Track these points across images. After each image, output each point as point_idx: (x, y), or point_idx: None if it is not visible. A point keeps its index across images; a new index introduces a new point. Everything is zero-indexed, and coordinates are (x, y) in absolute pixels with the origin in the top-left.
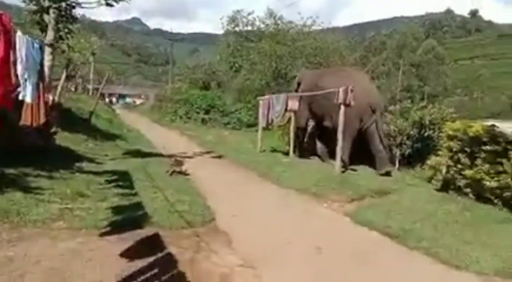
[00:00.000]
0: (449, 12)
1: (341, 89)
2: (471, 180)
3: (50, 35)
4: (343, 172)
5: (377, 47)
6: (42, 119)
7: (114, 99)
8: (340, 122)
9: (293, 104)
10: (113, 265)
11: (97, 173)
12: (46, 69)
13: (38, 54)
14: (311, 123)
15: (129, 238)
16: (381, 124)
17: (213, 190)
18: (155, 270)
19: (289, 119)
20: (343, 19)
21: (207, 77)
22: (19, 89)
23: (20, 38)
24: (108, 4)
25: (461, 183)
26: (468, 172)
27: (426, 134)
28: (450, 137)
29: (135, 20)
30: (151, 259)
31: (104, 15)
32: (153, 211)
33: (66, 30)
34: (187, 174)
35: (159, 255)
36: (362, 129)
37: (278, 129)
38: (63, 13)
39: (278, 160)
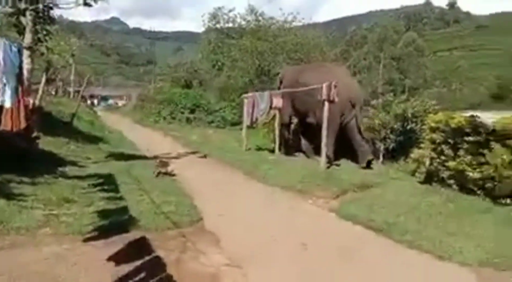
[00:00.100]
0: (428, 3)
1: (324, 85)
2: (454, 171)
3: (28, 37)
4: (328, 167)
5: (358, 42)
6: (23, 124)
7: (95, 101)
8: (324, 118)
9: (278, 101)
10: (99, 270)
11: (81, 177)
12: (25, 73)
13: (16, 58)
14: (295, 120)
15: (116, 242)
16: (360, 118)
17: (199, 190)
18: (143, 274)
19: (274, 116)
20: (323, 15)
21: (189, 76)
22: None
23: None
24: (86, 4)
25: (445, 174)
26: (451, 163)
27: (408, 127)
28: (433, 129)
29: (114, 20)
30: (138, 263)
31: (82, 15)
32: (139, 214)
33: (45, 32)
34: (173, 175)
35: (146, 258)
36: (342, 124)
37: (263, 127)
38: (40, 14)
39: (264, 158)
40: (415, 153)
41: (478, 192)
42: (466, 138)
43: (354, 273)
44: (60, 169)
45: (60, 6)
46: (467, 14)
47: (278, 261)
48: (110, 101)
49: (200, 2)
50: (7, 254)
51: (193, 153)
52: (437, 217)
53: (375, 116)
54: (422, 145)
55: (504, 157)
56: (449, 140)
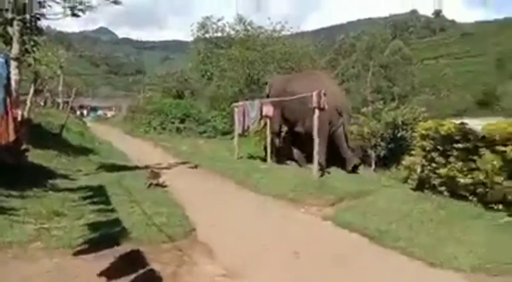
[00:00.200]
0: (413, 12)
1: (314, 93)
2: (446, 178)
3: (15, 48)
4: (321, 175)
5: (347, 50)
6: (12, 136)
7: (85, 112)
8: (315, 126)
9: (268, 110)
10: None
11: (71, 190)
12: (13, 84)
13: (3, 69)
14: (285, 129)
15: (107, 256)
16: (347, 126)
17: (191, 200)
18: None
19: (265, 125)
20: (311, 23)
21: (180, 86)
22: None
23: None
24: (74, 15)
25: (436, 181)
26: (442, 170)
27: (399, 135)
28: (423, 137)
29: (103, 30)
30: (132, 276)
31: (70, 26)
32: (131, 225)
33: (32, 43)
34: (165, 186)
35: (141, 272)
36: (330, 132)
37: (255, 136)
38: (28, 25)
39: (256, 167)
40: (407, 160)
41: (470, 197)
42: (456, 145)
43: (347, 280)
44: (50, 181)
45: (48, 16)
46: (452, 22)
47: (271, 270)
48: (100, 112)
49: (187, 11)
50: (6, 268)
51: (184, 163)
52: (429, 224)
53: (365, 124)
54: (413, 152)
55: (495, 162)
56: (439, 147)
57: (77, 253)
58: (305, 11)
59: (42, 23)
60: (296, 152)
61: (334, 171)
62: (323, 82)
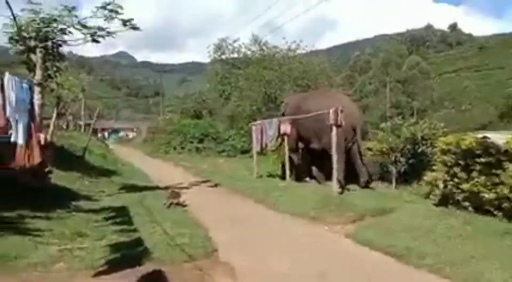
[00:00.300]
0: (429, 27)
1: (331, 110)
2: (469, 193)
3: (38, 74)
4: (340, 193)
5: (363, 66)
6: (37, 159)
7: (106, 134)
8: (333, 143)
9: (286, 128)
10: None
11: (94, 211)
12: (36, 108)
13: (28, 95)
14: (301, 146)
15: (130, 276)
16: (360, 142)
17: (211, 220)
18: None
19: (281, 142)
20: (326, 41)
21: (198, 106)
22: (10, 131)
23: (8, 80)
24: (94, 41)
25: (459, 196)
26: (465, 185)
27: (419, 150)
28: (444, 152)
29: (122, 54)
30: None
31: (90, 51)
32: (153, 246)
33: (54, 69)
34: (185, 205)
35: None
36: (346, 149)
37: (272, 154)
38: (50, 51)
39: (275, 185)
40: (428, 176)
41: (495, 212)
42: (478, 159)
43: None
44: (74, 203)
45: (69, 43)
46: (469, 35)
47: None
48: (121, 133)
49: (204, 34)
50: None
51: (204, 182)
52: (456, 240)
53: (384, 139)
54: (434, 168)
55: None
56: (461, 162)
57: (99, 274)
58: (320, 30)
59: (64, 49)
60: (314, 168)
61: (353, 187)
62: (337, 99)
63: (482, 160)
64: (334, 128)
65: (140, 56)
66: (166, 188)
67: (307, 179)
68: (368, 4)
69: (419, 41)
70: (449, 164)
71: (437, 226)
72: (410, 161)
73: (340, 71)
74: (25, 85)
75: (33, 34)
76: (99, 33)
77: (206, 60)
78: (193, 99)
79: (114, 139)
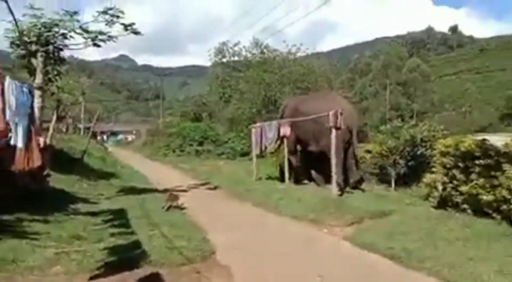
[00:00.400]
0: (429, 29)
1: (331, 113)
2: (468, 195)
3: (39, 78)
4: (340, 195)
5: (363, 69)
6: (37, 162)
7: (105, 137)
8: (332, 146)
9: (285, 130)
10: None
11: (92, 213)
12: (36, 111)
13: (28, 99)
14: (299, 148)
15: (128, 279)
16: (356, 144)
17: (210, 222)
18: None
19: (280, 145)
20: (326, 44)
21: (198, 109)
22: (10, 134)
23: (9, 85)
24: (95, 45)
25: (458, 199)
26: (464, 188)
27: (419, 152)
28: (443, 154)
29: (123, 57)
30: None
31: (91, 54)
32: (151, 248)
33: (55, 72)
34: (184, 208)
35: None
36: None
37: (272, 156)
38: (51, 55)
39: (274, 188)
40: (427, 178)
41: (494, 215)
42: (477, 162)
43: None
44: (72, 206)
45: (70, 47)
46: (470, 37)
47: None
48: (120, 136)
49: (205, 37)
50: None
51: (203, 184)
52: (455, 242)
53: (384, 142)
54: (433, 170)
55: None
56: (460, 164)
57: (96, 277)
58: (321, 32)
59: (65, 53)
60: (313, 171)
61: (352, 190)
62: (335, 101)
63: (481, 162)
64: (334, 131)
65: (141, 60)
66: (165, 190)
67: (306, 181)
68: (368, 6)
69: (419, 43)
70: (448, 166)
71: (436, 229)
72: (410, 163)
73: (340, 73)
74: (25, 90)
75: (34, 39)
76: (100, 37)
77: (207, 63)
78: (193, 102)
79: (113, 142)
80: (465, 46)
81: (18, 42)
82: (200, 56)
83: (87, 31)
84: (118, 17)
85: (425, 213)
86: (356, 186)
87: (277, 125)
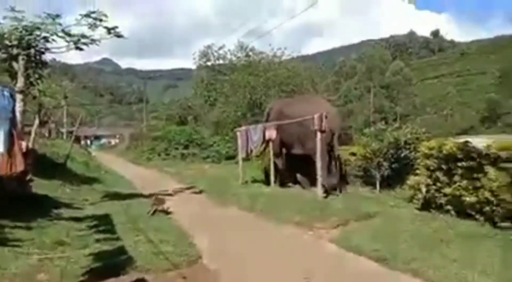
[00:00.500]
0: (412, 33)
1: (316, 116)
2: (451, 197)
3: (20, 81)
4: (325, 197)
5: (348, 72)
6: (20, 167)
7: (88, 142)
8: (318, 148)
9: (271, 133)
10: None
11: (76, 219)
12: (18, 115)
13: (9, 103)
14: (284, 151)
15: None
16: (337, 146)
17: (196, 227)
18: None
19: (265, 148)
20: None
21: (183, 112)
22: None
23: None
24: (78, 48)
25: (442, 200)
26: (447, 190)
27: (402, 154)
28: (427, 156)
29: (106, 61)
30: None
31: (74, 58)
32: (137, 254)
33: (37, 76)
34: (169, 212)
35: None
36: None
37: (257, 159)
38: (32, 59)
39: (260, 191)
40: (411, 180)
41: (477, 216)
42: (460, 163)
43: None
44: (55, 211)
45: (52, 50)
46: (451, 42)
47: None
48: (103, 140)
49: (191, 40)
50: None
51: (189, 188)
52: (439, 244)
53: (367, 145)
54: (417, 172)
55: (500, 180)
56: (443, 166)
57: None
58: (307, 35)
59: (47, 56)
60: (298, 174)
61: (336, 193)
62: (319, 104)
63: (464, 164)
64: (319, 134)
65: (124, 63)
66: (150, 195)
67: (291, 184)
68: (353, 10)
69: (402, 47)
70: (431, 168)
71: (420, 230)
72: (393, 166)
73: (325, 76)
74: (6, 93)
75: (16, 42)
76: (82, 40)
77: (191, 66)
78: (178, 106)
79: (96, 146)
80: (446, 50)
81: None
82: (184, 59)
83: (69, 35)
84: (101, 20)
85: (409, 214)
86: (334, 188)
87: (262, 129)
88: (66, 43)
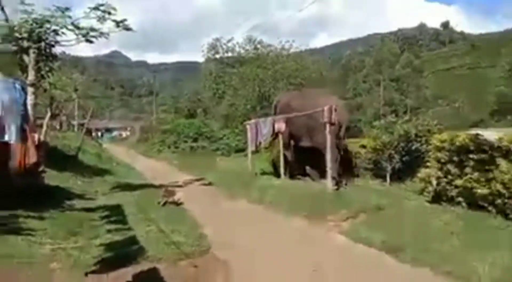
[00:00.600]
0: (422, 25)
1: (326, 108)
2: (462, 189)
3: (31, 75)
4: (337, 189)
5: (356, 65)
6: (32, 159)
7: (99, 134)
8: (328, 141)
9: (280, 126)
10: None
11: (89, 210)
12: (29, 108)
13: (21, 96)
14: (292, 143)
15: (125, 274)
16: (343, 138)
17: (206, 218)
18: None
19: (274, 140)
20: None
21: (192, 105)
22: (4, 131)
23: (1, 82)
24: (88, 41)
25: (453, 192)
26: (458, 181)
27: (413, 147)
28: (438, 149)
29: (116, 54)
30: None
31: (83, 50)
32: (148, 244)
33: (47, 69)
34: (180, 204)
35: None
36: None
37: (266, 152)
38: (43, 52)
39: (270, 183)
40: (422, 173)
41: (489, 208)
42: (471, 156)
43: None
44: (68, 202)
45: (62, 43)
46: (461, 34)
47: None
48: (115, 133)
49: (200, 33)
50: None
51: (198, 180)
52: (449, 236)
53: (378, 137)
54: (428, 164)
55: None
56: (454, 158)
57: (93, 273)
58: (314, 29)
59: (57, 49)
60: (308, 167)
61: (350, 185)
62: (326, 97)
63: (475, 156)
64: (328, 126)
65: (134, 55)
66: (161, 186)
67: (300, 176)
68: (361, 3)
69: (411, 39)
70: (442, 160)
71: (431, 223)
72: (404, 158)
73: (333, 69)
74: (17, 87)
75: (26, 35)
76: (92, 33)
77: (200, 59)
78: (187, 99)
79: (107, 138)
80: (456, 42)
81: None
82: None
83: (78, 28)
84: (109, 13)
85: (420, 207)
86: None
87: (272, 122)
88: (76, 36)
